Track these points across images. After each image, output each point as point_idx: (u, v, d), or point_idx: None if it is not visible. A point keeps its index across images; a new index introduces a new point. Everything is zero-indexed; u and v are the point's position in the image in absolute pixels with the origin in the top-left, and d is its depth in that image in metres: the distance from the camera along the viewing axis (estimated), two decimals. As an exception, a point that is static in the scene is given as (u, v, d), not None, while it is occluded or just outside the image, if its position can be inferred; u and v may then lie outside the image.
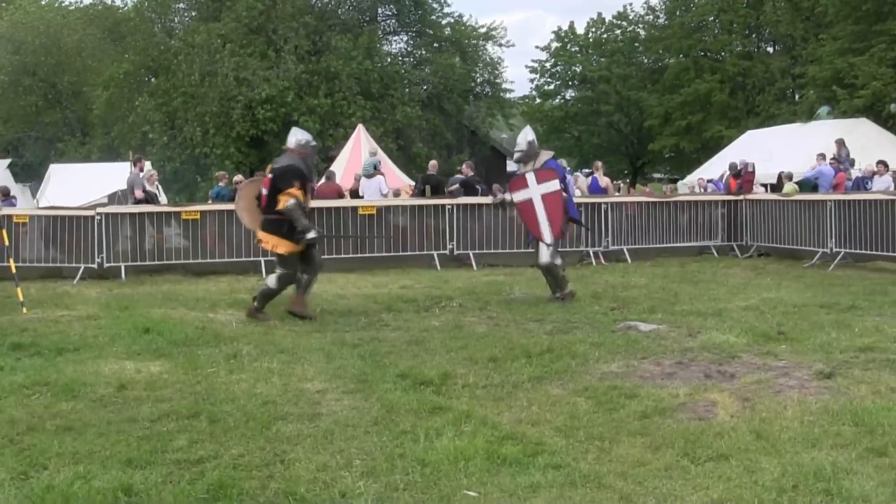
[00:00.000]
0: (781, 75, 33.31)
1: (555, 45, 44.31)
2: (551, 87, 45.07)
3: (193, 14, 34.37)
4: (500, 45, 36.95)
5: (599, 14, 44.18)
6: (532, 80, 45.13)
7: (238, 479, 3.95)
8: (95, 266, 12.33)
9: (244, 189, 9.41)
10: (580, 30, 44.41)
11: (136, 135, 30.05)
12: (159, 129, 29.56)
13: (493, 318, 8.43)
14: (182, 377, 5.92)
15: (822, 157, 16.98)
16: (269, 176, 8.50)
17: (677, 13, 38.89)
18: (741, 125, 31.00)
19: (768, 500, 3.64)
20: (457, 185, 15.53)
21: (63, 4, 39.34)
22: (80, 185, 20.15)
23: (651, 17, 42.22)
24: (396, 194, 16.38)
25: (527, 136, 9.84)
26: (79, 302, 9.73)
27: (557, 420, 4.82)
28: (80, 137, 36.21)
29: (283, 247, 8.36)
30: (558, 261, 9.45)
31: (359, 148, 20.50)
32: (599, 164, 18.38)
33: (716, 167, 22.03)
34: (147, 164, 17.28)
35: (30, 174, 30.29)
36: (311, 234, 8.36)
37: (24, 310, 8.87)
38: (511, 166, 29.02)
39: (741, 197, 15.17)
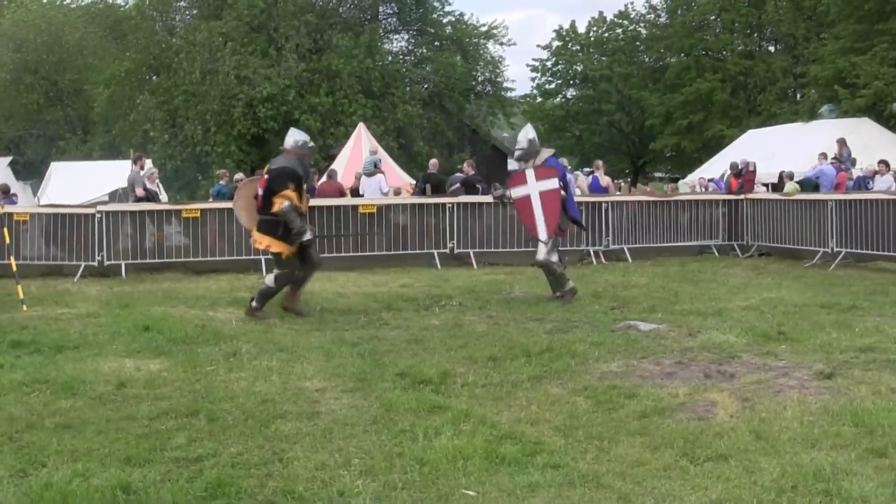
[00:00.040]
0: (783, 74, 33.26)
1: (556, 43, 44.30)
2: (552, 85, 45.07)
3: (195, 12, 34.33)
4: (502, 44, 36.91)
5: (601, 13, 44.20)
6: (533, 79, 45.25)
7: (236, 477, 3.95)
8: (96, 264, 12.34)
9: (243, 188, 9.43)
10: (581, 28, 44.51)
11: (137, 133, 30.04)
12: (160, 128, 29.54)
13: (493, 317, 8.43)
14: (181, 375, 5.92)
15: (823, 156, 16.97)
16: (266, 177, 8.54)
17: (679, 12, 38.83)
18: (742, 124, 30.97)
19: (767, 501, 3.64)
20: (457, 185, 15.52)
21: (65, 2, 39.35)
22: (80, 183, 20.12)
23: (652, 15, 42.22)
24: (397, 193, 16.37)
25: (527, 133, 9.84)
26: (79, 300, 9.74)
27: (556, 419, 4.81)
28: (82, 135, 36.21)
29: (277, 247, 8.39)
30: (554, 257, 9.43)
31: (359, 146, 20.49)
32: (600, 163, 18.37)
33: (717, 166, 22.02)
34: (148, 163, 17.28)
35: (31, 172, 30.31)
36: (306, 237, 8.39)
37: (25, 307, 8.88)
38: (512, 165, 28.96)
39: (742, 196, 15.16)
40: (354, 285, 10.91)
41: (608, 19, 43.66)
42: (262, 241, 8.49)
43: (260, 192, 8.46)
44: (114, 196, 17.79)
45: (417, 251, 13.40)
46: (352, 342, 7.07)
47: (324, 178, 16.01)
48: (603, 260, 13.86)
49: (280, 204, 8.21)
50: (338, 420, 4.85)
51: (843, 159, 17.14)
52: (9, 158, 23.51)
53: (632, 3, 50.45)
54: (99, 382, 5.67)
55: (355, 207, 13.50)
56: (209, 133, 28.90)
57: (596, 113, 42.75)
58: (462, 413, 4.87)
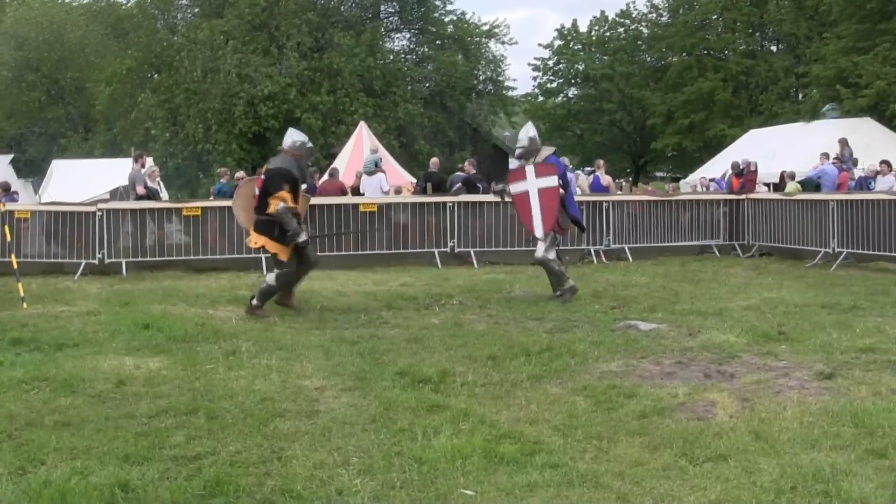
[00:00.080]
0: (785, 74, 33.22)
1: (558, 42, 44.26)
2: (554, 84, 45.03)
3: (196, 10, 34.35)
4: (503, 43, 36.85)
5: (602, 12, 44.18)
6: (535, 78, 45.20)
7: (235, 475, 3.95)
8: (96, 262, 12.34)
9: (242, 188, 9.45)
10: (583, 28, 44.38)
11: (138, 131, 30.04)
12: (161, 126, 29.55)
13: (493, 316, 8.43)
14: (181, 373, 5.92)
15: (825, 156, 16.95)
16: (262, 177, 8.55)
17: (680, 11, 38.80)
18: (744, 124, 30.94)
19: (766, 502, 3.63)
20: (459, 185, 15.51)
21: (66, 1, 39.36)
22: (81, 181, 20.15)
23: (654, 15, 42.21)
24: (398, 191, 16.35)
25: (528, 131, 9.84)
26: (79, 297, 9.75)
27: (556, 419, 4.81)
28: (83, 133, 36.22)
29: (272, 248, 8.42)
30: (552, 255, 9.43)
31: (360, 145, 20.47)
32: (601, 162, 18.37)
33: (718, 166, 22.01)
34: (149, 161, 17.29)
35: (32, 170, 30.30)
36: (302, 238, 8.40)
37: (25, 305, 8.89)
38: (513, 164, 28.96)
39: (743, 196, 15.14)
40: (355, 284, 10.91)
41: (610, 18, 43.66)
42: (258, 241, 8.53)
43: (256, 192, 8.48)
44: (115, 194, 17.78)
45: (418, 250, 13.40)
46: (351, 341, 7.07)
47: (325, 177, 16.00)
48: (603, 259, 13.85)
49: (275, 205, 8.24)
50: (337, 419, 4.85)
51: (845, 159, 17.11)
52: (10, 156, 23.55)
53: (633, 3, 50.65)
54: (98, 380, 5.68)
55: (356, 206, 13.50)
56: (210, 131, 28.91)
57: (597, 112, 42.72)
58: (461, 412, 4.87)
